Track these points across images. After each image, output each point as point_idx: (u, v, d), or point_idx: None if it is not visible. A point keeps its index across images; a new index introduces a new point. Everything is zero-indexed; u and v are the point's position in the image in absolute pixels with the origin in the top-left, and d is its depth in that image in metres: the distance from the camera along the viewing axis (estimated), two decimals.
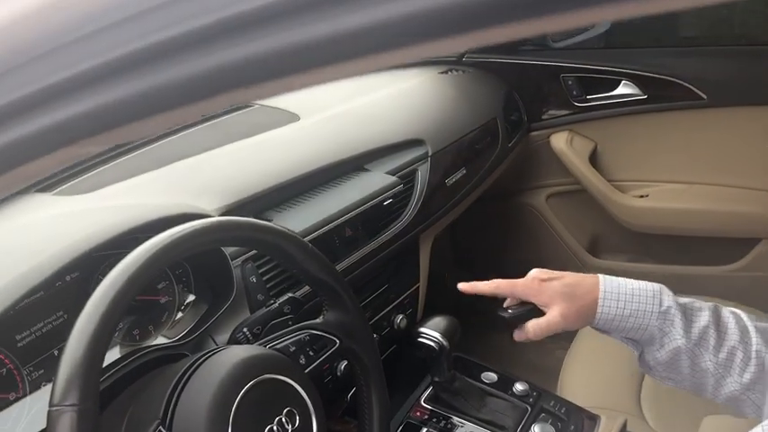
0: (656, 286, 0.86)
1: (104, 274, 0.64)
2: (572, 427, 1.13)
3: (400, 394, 1.20)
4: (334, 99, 1.41)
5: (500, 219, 1.91)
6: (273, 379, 0.73)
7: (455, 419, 1.15)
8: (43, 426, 0.78)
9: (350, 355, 0.87)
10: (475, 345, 1.35)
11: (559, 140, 1.77)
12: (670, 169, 1.70)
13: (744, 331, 0.82)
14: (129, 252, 0.67)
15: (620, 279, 0.87)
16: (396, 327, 1.27)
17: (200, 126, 1.32)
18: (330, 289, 0.85)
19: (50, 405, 0.58)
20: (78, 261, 0.81)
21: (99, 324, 0.60)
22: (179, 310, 0.98)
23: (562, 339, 1.54)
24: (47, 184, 1.07)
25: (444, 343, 1.11)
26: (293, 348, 0.81)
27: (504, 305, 0.95)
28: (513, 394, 1.18)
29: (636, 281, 0.87)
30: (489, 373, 1.23)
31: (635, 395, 1.27)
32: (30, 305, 0.82)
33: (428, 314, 1.18)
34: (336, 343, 0.85)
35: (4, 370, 0.79)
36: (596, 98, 1.72)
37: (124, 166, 1.15)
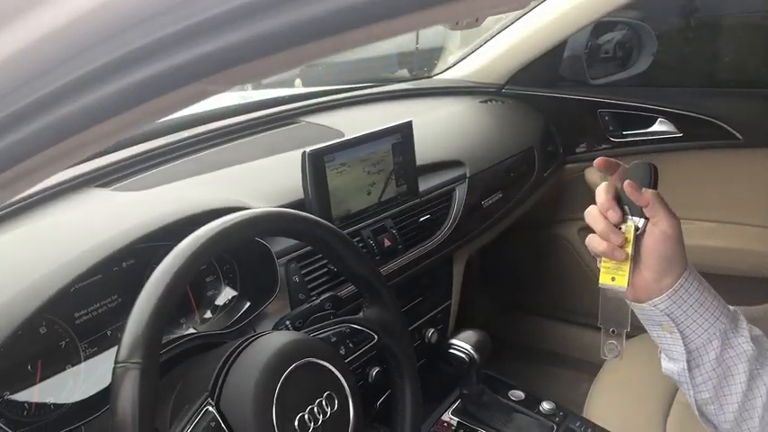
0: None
1: (158, 263, 0.69)
2: None
3: (428, 406, 1.23)
4: (378, 120, 1.47)
5: (531, 248, 1.94)
6: (316, 363, 0.77)
7: (482, 430, 1.17)
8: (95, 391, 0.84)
9: (386, 351, 0.91)
10: (503, 367, 1.37)
11: (594, 174, 1.80)
12: (704, 207, 1.71)
13: None
14: (180, 241, 0.72)
15: None
16: (427, 340, 1.30)
17: (248, 138, 1.39)
18: (371, 286, 0.90)
19: (116, 363, 0.63)
20: (133, 248, 0.86)
21: (164, 292, 0.65)
22: (223, 303, 1.03)
23: (587, 372, 1.55)
24: (106, 181, 1.13)
25: (475, 356, 1.15)
26: (334, 339, 0.85)
27: None
28: (540, 413, 1.21)
29: None
30: (517, 391, 1.26)
31: (661, 421, 1.27)
32: (88, 286, 0.87)
33: (458, 330, 1.22)
34: (375, 338, 0.89)
35: (63, 342, 0.84)
36: (632, 134, 1.76)
37: (177, 169, 1.21)
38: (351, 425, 0.78)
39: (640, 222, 0.78)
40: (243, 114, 1.42)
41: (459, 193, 1.34)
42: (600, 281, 0.82)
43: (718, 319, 0.78)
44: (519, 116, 1.72)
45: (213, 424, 0.69)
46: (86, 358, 0.87)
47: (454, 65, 1.88)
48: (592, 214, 0.81)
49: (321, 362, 0.77)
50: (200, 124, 1.35)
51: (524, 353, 1.87)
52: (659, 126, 1.72)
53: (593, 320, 1.61)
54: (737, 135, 1.61)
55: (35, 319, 0.75)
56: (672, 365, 0.83)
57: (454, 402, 1.22)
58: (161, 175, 1.18)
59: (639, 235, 0.78)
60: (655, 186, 0.80)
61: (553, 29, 1.71)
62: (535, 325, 1.96)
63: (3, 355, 0.74)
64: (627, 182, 0.78)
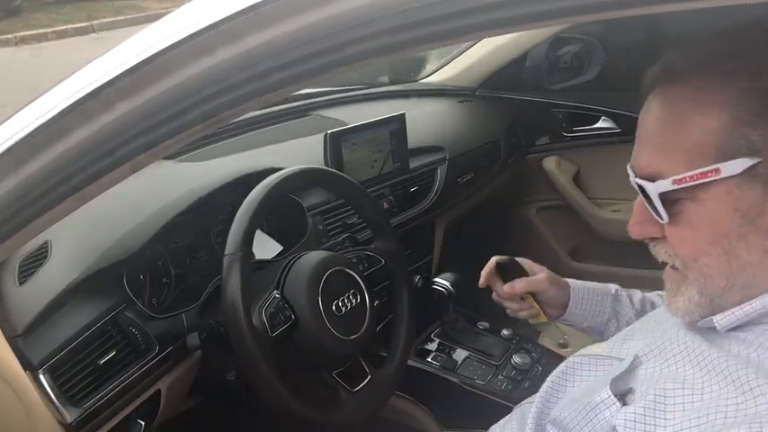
0: (609, 285, 1.13)
1: (225, 212, 1.02)
2: (543, 360, 1.51)
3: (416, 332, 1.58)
4: (374, 114, 1.82)
5: (497, 226, 2.31)
6: (345, 271, 1.13)
7: (456, 349, 1.53)
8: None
9: (390, 273, 1.26)
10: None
11: (549, 163, 2.18)
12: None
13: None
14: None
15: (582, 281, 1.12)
16: (414, 285, 1.66)
17: (272, 126, 1.73)
18: (379, 224, 1.26)
19: (224, 254, 0.98)
20: (205, 198, 1.21)
21: (254, 209, 1.00)
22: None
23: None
24: (170, 154, 1.47)
25: (452, 290, 1.50)
26: (354, 260, 1.21)
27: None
28: (501, 336, 1.57)
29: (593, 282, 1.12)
30: (483, 322, 1.62)
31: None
32: (172, 227, 1.21)
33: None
34: (382, 262, 1.25)
35: (161, 262, 1.19)
36: (580, 130, 2.14)
37: (218, 149, 1.54)
38: (367, 314, 1.14)
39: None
40: (266, 108, 1.77)
41: (441, 172, 1.71)
42: (531, 322, 1.15)
43: (606, 306, 1.10)
44: (488, 114, 2.10)
45: (280, 303, 1.04)
46: (175, 273, 1.21)
47: (436, 71, 2.25)
48: (505, 304, 1.13)
49: (349, 270, 1.13)
50: None
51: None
52: (602, 123, 2.11)
53: None
54: None
55: (145, 246, 1.09)
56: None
57: (435, 329, 1.58)
58: (207, 153, 1.52)
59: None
60: (519, 273, 1.10)
61: (517, 42, 2.08)
62: None
63: (128, 267, 1.08)
64: (504, 290, 1.08)
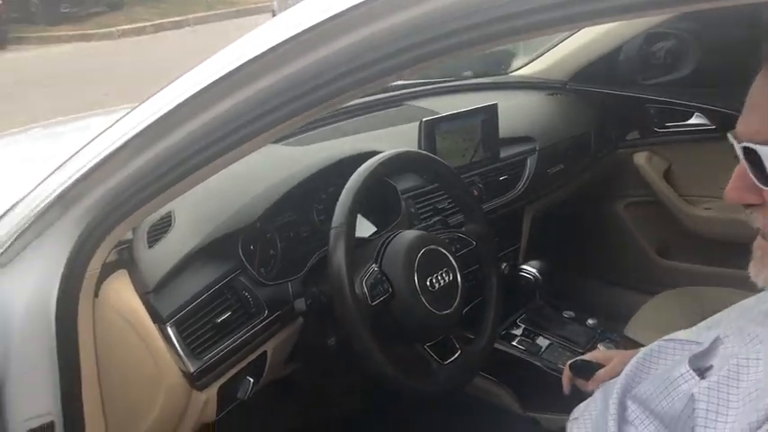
0: None
1: (326, 192, 1.09)
2: (628, 349, 1.52)
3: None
4: (464, 106, 1.87)
5: (585, 220, 2.31)
6: (439, 250, 1.19)
7: (541, 336, 1.57)
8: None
9: (480, 256, 1.32)
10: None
11: (640, 158, 2.17)
12: None
13: None
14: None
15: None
16: (501, 271, 1.70)
17: (367, 115, 1.81)
18: (471, 208, 1.31)
19: (331, 227, 1.06)
20: (310, 178, 1.29)
21: (363, 183, 1.08)
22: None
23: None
24: (277, 139, 1.57)
25: (539, 277, 1.54)
26: (447, 240, 1.27)
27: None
28: (586, 325, 1.59)
29: None
30: (569, 311, 1.64)
31: None
32: (277, 204, 1.30)
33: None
34: (472, 245, 1.30)
35: (269, 235, 1.28)
36: (673, 126, 2.12)
37: (319, 134, 1.63)
38: (458, 292, 1.20)
39: None
40: (361, 98, 1.85)
41: (531, 162, 1.74)
42: None
43: None
44: (579, 107, 2.11)
45: (379, 276, 1.11)
46: (281, 246, 1.30)
47: (525, 65, 2.28)
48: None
49: (442, 249, 1.19)
50: None
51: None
52: (696, 119, 2.08)
53: (636, 283, 1.99)
54: None
55: (257, 219, 1.19)
56: None
57: (521, 316, 1.62)
58: (309, 138, 1.61)
59: None
60: (594, 366, 1.13)
61: (610, 36, 2.08)
62: (580, 285, 2.32)
63: (242, 237, 1.17)
64: (591, 388, 1.10)
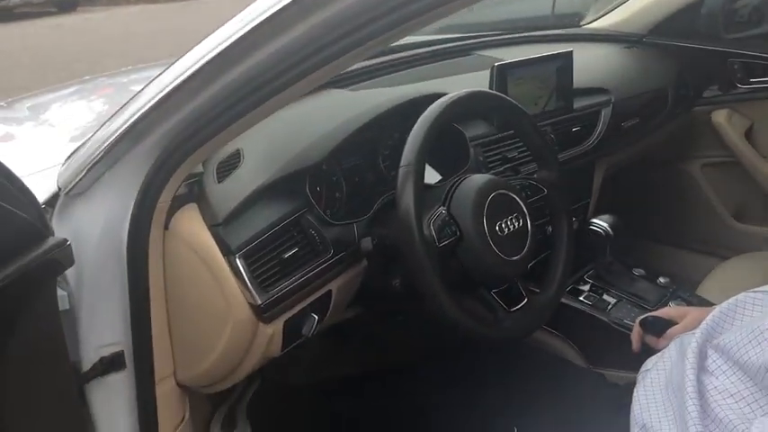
0: None
1: (392, 137, 1.06)
2: None
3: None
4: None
5: (658, 180, 2.22)
6: (509, 195, 1.15)
7: (609, 291, 1.52)
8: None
9: (551, 203, 1.27)
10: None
11: (720, 116, 2.06)
12: None
13: None
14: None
15: None
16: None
17: (436, 64, 1.77)
18: (544, 154, 1.27)
19: (400, 166, 1.04)
20: (376, 120, 1.26)
21: (433, 122, 1.05)
22: None
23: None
24: (340, 85, 1.55)
25: (610, 231, 1.49)
26: (518, 186, 1.23)
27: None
28: (657, 284, 1.53)
29: None
30: (639, 268, 1.59)
31: None
32: (345, 145, 1.28)
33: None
34: (544, 191, 1.26)
35: (335, 178, 1.27)
36: (757, 81, 2.00)
37: (392, 80, 1.60)
38: (528, 238, 1.16)
39: None
40: (430, 47, 1.81)
41: (605, 114, 1.67)
42: None
43: None
44: (656, 61, 2.01)
45: (447, 218, 1.09)
46: (346, 189, 1.29)
47: (601, 17, 2.18)
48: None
49: (512, 194, 1.16)
50: (401, 51, 1.75)
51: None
52: None
53: (709, 247, 1.90)
54: None
55: (323, 160, 1.17)
56: None
57: (589, 271, 1.58)
58: (375, 83, 1.59)
59: None
60: (665, 322, 1.10)
61: None
62: (650, 247, 2.24)
63: (309, 176, 1.16)
64: (662, 345, 1.08)
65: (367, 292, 1.25)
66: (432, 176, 1.39)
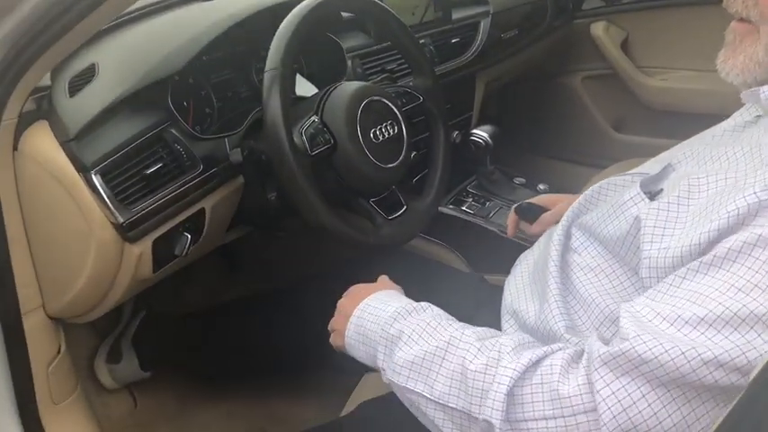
0: None
1: (266, 48, 1.01)
2: None
3: (452, 185, 1.61)
4: None
5: (540, 95, 2.27)
6: (383, 101, 1.13)
7: (492, 200, 1.55)
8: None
9: (428, 111, 1.26)
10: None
11: (597, 29, 2.11)
12: (688, 57, 2.02)
13: None
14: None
15: None
16: (452, 140, 1.66)
17: None
18: (419, 61, 1.25)
19: (265, 71, 0.99)
20: (246, 21, 1.19)
21: (297, 25, 1.00)
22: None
23: None
24: None
25: (490, 141, 1.51)
26: (394, 94, 1.21)
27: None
28: (537, 190, 1.58)
29: None
30: (520, 177, 1.63)
31: None
32: (214, 59, 1.22)
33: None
34: (420, 99, 1.25)
35: (204, 92, 1.21)
36: None
37: None
38: (404, 146, 1.15)
39: None
40: None
41: (484, 25, 1.67)
42: None
43: None
44: None
45: (320, 126, 1.06)
46: (217, 105, 1.23)
47: None
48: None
49: (387, 101, 1.14)
50: None
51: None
52: None
53: (589, 158, 1.95)
54: None
55: (186, 72, 1.11)
56: None
57: (472, 182, 1.60)
58: None
59: None
60: (540, 210, 1.12)
61: None
62: (531, 159, 2.30)
63: (172, 87, 1.10)
64: (535, 230, 1.11)
65: (246, 210, 1.22)
66: (309, 89, 1.35)
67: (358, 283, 0.95)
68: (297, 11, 1.03)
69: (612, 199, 0.84)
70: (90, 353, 1.46)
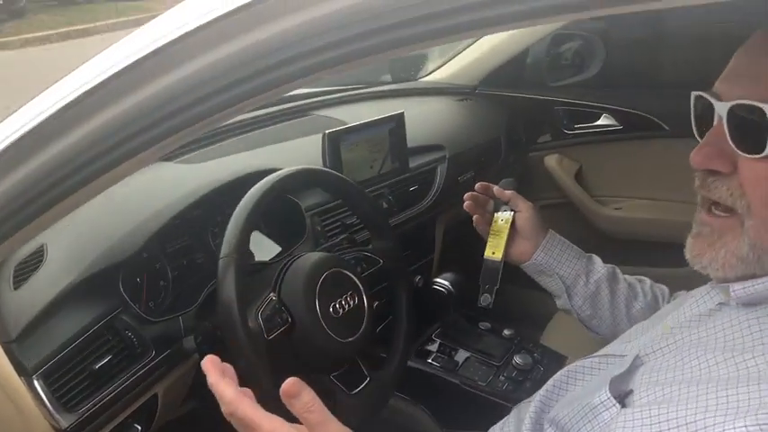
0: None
1: (222, 213, 1.02)
2: (545, 360, 1.49)
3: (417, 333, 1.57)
4: (374, 113, 1.81)
5: None
6: (343, 272, 1.11)
7: (457, 350, 1.52)
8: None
9: (389, 274, 1.25)
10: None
11: (551, 161, 2.17)
12: (640, 187, 2.09)
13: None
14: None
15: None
16: (415, 284, 1.65)
17: (272, 126, 1.72)
18: (377, 225, 1.25)
19: (220, 258, 0.97)
20: (203, 199, 1.20)
21: (252, 207, 1.00)
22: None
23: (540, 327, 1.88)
24: (167, 156, 1.46)
25: (452, 290, 1.49)
26: (353, 261, 1.20)
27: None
28: (502, 336, 1.56)
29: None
30: (485, 322, 1.60)
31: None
32: (171, 228, 1.20)
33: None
34: (380, 263, 1.23)
35: (158, 264, 1.18)
36: (582, 127, 2.13)
37: (220, 149, 1.54)
38: (365, 316, 1.13)
39: (509, 213, 1.18)
40: (265, 108, 1.76)
41: (441, 170, 1.70)
42: (484, 255, 1.21)
43: (578, 260, 1.17)
44: (489, 112, 2.08)
45: (277, 306, 1.03)
46: (172, 275, 1.20)
47: (435, 70, 2.24)
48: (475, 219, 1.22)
49: (346, 271, 1.12)
50: None
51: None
52: (604, 120, 2.10)
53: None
54: (665, 126, 1.98)
55: (141, 249, 1.09)
56: (559, 301, 1.19)
57: (436, 330, 1.57)
58: (205, 154, 1.51)
59: (513, 222, 1.17)
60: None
61: (517, 39, 2.07)
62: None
63: (125, 269, 1.07)
64: (495, 187, 1.19)
65: (201, 387, 1.16)
66: (270, 250, 1.34)
67: None
68: (251, 194, 1.03)
69: (582, 393, 0.82)
70: None
